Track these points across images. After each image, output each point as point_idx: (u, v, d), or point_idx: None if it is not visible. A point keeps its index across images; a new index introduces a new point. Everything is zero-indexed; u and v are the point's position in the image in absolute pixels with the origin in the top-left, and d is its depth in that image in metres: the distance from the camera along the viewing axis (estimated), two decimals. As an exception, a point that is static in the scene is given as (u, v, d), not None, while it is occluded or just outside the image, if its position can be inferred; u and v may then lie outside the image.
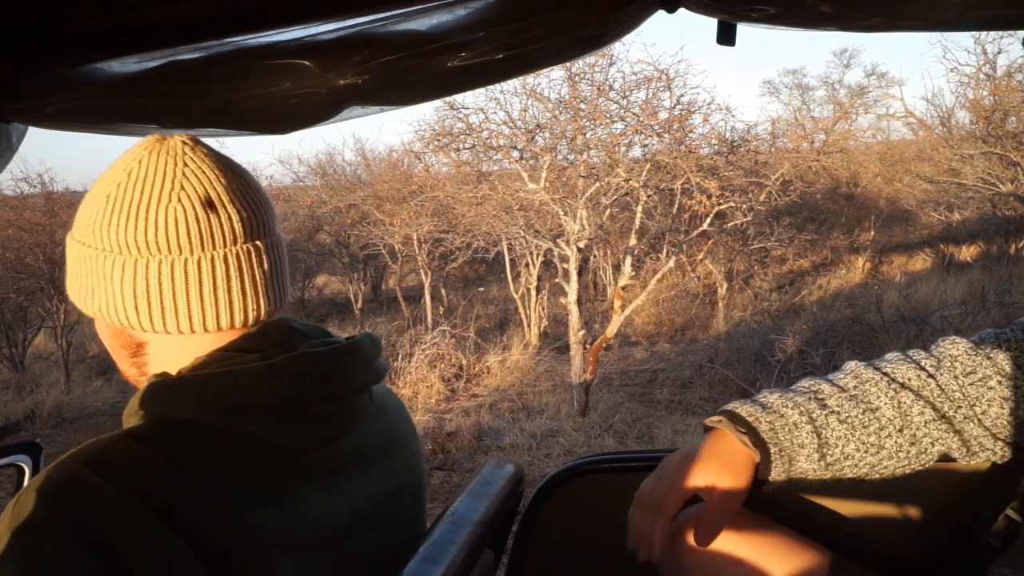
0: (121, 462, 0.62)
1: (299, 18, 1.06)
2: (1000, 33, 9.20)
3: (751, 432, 0.85)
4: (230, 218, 0.72)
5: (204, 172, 0.72)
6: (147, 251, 0.70)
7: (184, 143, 0.74)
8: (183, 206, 0.70)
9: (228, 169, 0.74)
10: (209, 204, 0.73)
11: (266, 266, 0.75)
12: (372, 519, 0.79)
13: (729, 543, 0.86)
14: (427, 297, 9.92)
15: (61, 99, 1.18)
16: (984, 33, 9.37)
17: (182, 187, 0.70)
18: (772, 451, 0.84)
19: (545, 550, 1.07)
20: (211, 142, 0.78)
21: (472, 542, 0.78)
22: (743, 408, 0.87)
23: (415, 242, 9.64)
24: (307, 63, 1.11)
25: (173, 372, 0.73)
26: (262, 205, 0.76)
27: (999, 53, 10.13)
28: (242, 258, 0.72)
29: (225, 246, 0.71)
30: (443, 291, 11.28)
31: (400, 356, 7.19)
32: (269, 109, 1.23)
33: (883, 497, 0.92)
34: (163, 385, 0.69)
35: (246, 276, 0.73)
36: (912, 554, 0.93)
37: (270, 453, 0.68)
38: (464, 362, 7.46)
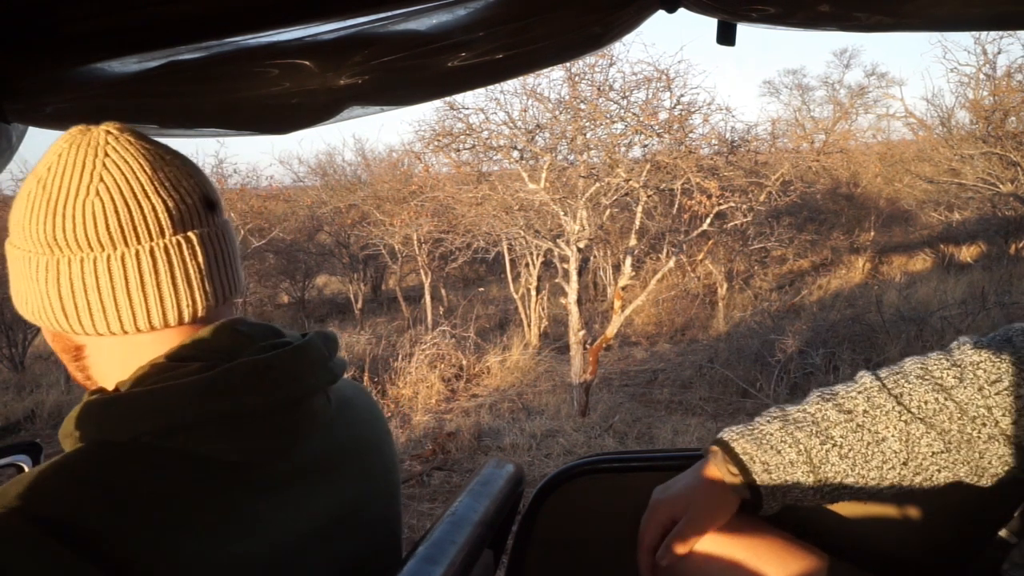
0: (53, 501, 0.57)
1: (299, 18, 1.06)
2: (1000, 33, 9.21)
3: (743, 472, 0.84)
4: (154, 209, 0.67)
5: (126, 161, 0.67)
6: (68, 249, 0.66)
7: (108, 132, 0.69)
8: (101, 199, 0.66)
9: (156, 157, 0.70)
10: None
11: (200, 258, 0.70)
12: (343, 524, 0.75)
13: (726, 547, 0.86)
14: (427, 297, 9.91)
15: (61, 99, 1.18)
16: (984, 33, 9.37)
17: (101, 179, 0.66)
18: (764, 493, 0.83)
19: (545, 550, 1.07)
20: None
21: (472, 542, 0.77)
22: (739, 443, 0.85)
23: (415, 242, 9.64)
24: (307, 63, 1.11)
25: (117, 376, 0.70)
26: (194, 193, 0.71)
27: (999, 53, 10.17)
28: (171, 251, 0.68)
29: (151, 239, 0.67)
30: (443, 291, 11.28)
31: (400, 356, 7.19)
32: (269, 109, 1.23)
33: (884, 499, 0.92)
34: (99, 404, 0.65)
35: (177, 271, 0.68)
36: (913, 555, 0.93)
37: (218, 471, 0.64)
38: (464, 362, 7.46)
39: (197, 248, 0.70)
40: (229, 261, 0.74)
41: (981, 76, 10.27)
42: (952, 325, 7.03)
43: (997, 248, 11.65)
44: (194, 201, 0.70)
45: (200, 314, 0.71)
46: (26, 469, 1.40)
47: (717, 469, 0.86)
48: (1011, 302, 7.88)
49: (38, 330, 9.05)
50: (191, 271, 0.69)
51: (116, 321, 0.67)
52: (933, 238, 12.80)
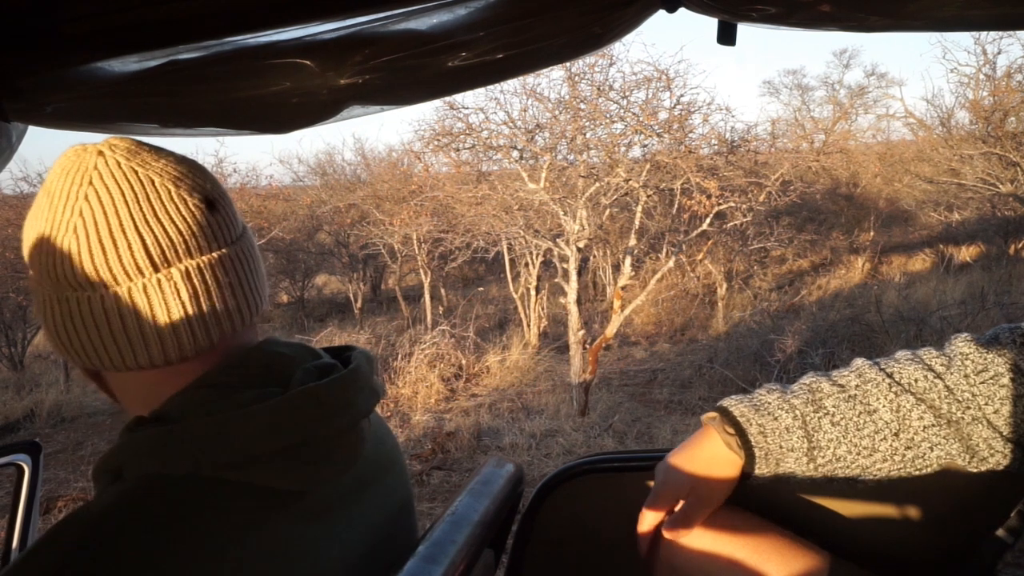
0: (111, 544, 0.55)
1: (299, 18, 1.06)
2: (1000, 33, 9.21)
3: (740, 434, 0.85)
4: (130, 247, 0.63)
5: (108, 192, 0.63)
6: (58, 285, 0.64)
7: (100, 153, 0.65)
8: (76, 237, 0.62)
9: (145, 183, 0.65)
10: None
11: (185, 296, 0.65)
12: (381, 541, 0.76)
13: (726, 544, 0.86)
14: (427, 297, 9.91)
15: (61, 98, 1.18)
16: (984, 33, 9.37)
17: (80, 213, 0.63)
18: (758, 454, 0.85)
19: (545, 549, 1.07)
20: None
21: (472, 542, 0.77)
22: (737, 407, 0.87)
23: (415, 242, 9.64)
24: (307, 63, 1.11)
25: (139, 400, 0.69)
26: (183, 222, 0.65)
27: (999, 53, 10.18)
28: (151, 291, 0.64)
29: (130, 280, 0.63)
30: (443, 291, 11.28)
31: (400, 356, 7.19)
32: (269, 109, 1.23)
33: (884, 497, 0.92)
34: (152, 439, 0.62)
35: (158, 311, 0.64)
36: (914, 554, 0.93)
37: (275, 501, 0.63)
38: (464, 362, 7.46)
39: (180, 285, 0.65)
40: (242, 285, 0.69)
41: (981, 76, 10.28)
42: (951, 325, 7.03)
43: (996, 248, 11.65)
44: (180, 232, 0.65)
45: (205, 347, 0.67)
46: (26, 468, 1.40)
47: (714, 433, 0.88)
48: (1010, 302, 7.89)
49: (37, 330, 9.08)
50: (174, 310, 0.65)
51: (107, 359, 0.65)
52: (933, 238, 12.81)
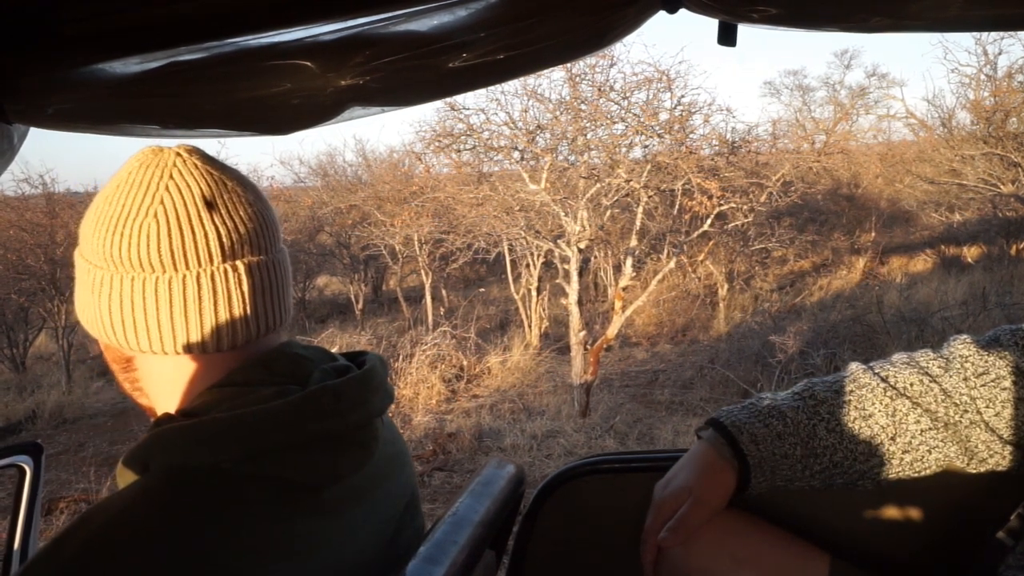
0: (133, 533, 0.57)
1: (300, 18, 1.06)
2: (1001, 34, 9.20)
3: (732, 443, 0.85)
4: (206, 236, 0.68)
5: (188, 185, 0.69)
6: (122, 267, 0.68)
7: (177, 154, 0.71)
8: (157, 222, 0.67)
9: (217, 182, 0.71)
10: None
11: (245, 288, 0.70)
12: (389, 539, 0.78)
13: (727, 546, 0.86)
14: (428, 298, 9.92)
15: (62, 99, 1.18)
16: (985, 34, 9.37)
17: (161, 201, 0.68)
18: (751, 463, 0.84)
19: (546, 550, 1.07)
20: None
21: (473, 542, 0.77)
22: (728, 418, 0.87)
23: (416, 243, 9.65)
24: (308, 64, 1.11)
25: (165, 392, 0.72)
26: (250, 221, 0.72)
27: (1000, 54, 10.18)
28: (217, 280, 0.69)
29: (199, 266, 0.68)
30: (444, 292, 11.28)
31: (401, 357, 7.19)
32: (270, 110, 1.23)
33: (884, 499, 0.92)
34: (178, 432, 0.65)
35: (221, 299, 0.69)
36: (914, 556, 0.93)
37: (290, 495, 0.65)
38: (465, 363, 7.46)
39: (243, 278, 0.70)
40: (278, 291, 0.74)
41: (982, 77, 10.27)
42: (953, 326, 7.03)
43: (998, 249, 11.64)
44: (247, 230, 0.71)
45: (239, 343, 0.71)
46: (27, 469, 1.40)
47: (708, 446, 0.87)
48: (1012, 303, 7.88)
49: (39, 331, 9.10)
50: (235, 300, 0.70)
51: (158, 342, 0.69)
52: (934, 239, 12.80)
